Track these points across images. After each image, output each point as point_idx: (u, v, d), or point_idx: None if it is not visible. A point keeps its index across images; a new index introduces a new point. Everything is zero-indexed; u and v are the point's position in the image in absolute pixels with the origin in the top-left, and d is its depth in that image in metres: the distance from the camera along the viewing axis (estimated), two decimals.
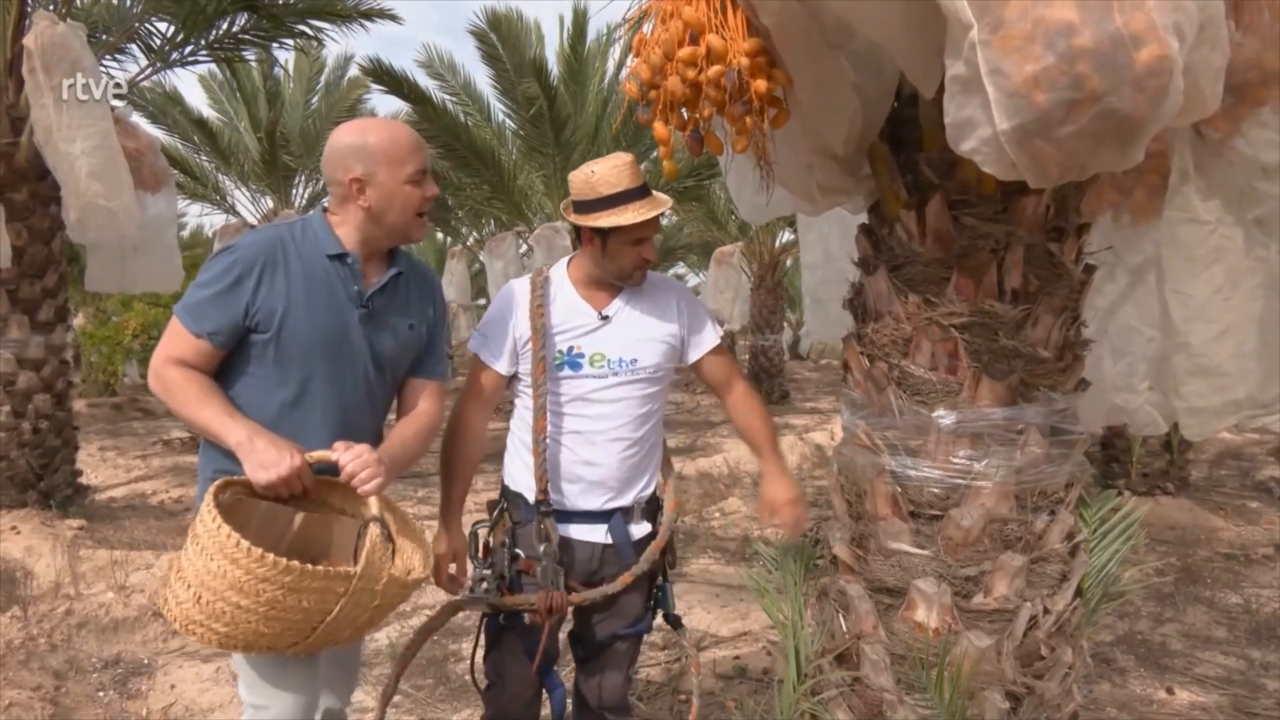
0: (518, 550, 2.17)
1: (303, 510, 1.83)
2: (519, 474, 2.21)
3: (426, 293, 2.07)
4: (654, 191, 2.14)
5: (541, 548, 2.11)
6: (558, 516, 2.15)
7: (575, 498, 2.16)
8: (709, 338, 2.27)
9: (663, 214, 2.13)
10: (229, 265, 1.82)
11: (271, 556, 1.54)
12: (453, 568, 2.19)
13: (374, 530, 1.67)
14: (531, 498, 2.16)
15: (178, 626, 1.65)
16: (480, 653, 2.30)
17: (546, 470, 2.13)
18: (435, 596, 4.44)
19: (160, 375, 1.82)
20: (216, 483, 1.69)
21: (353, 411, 1.95)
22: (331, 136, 1.91)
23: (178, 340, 1.83)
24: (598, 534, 2.18)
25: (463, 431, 2.21)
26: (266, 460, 1.70)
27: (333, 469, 1.79)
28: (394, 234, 1.94)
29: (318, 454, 1.78)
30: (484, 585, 2.12)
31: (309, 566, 1.58)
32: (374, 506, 1.72)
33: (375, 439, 2.01)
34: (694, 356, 2.26)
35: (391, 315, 1.98)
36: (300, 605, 1.60)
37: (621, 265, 2.13)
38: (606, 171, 2.08)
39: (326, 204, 1.97)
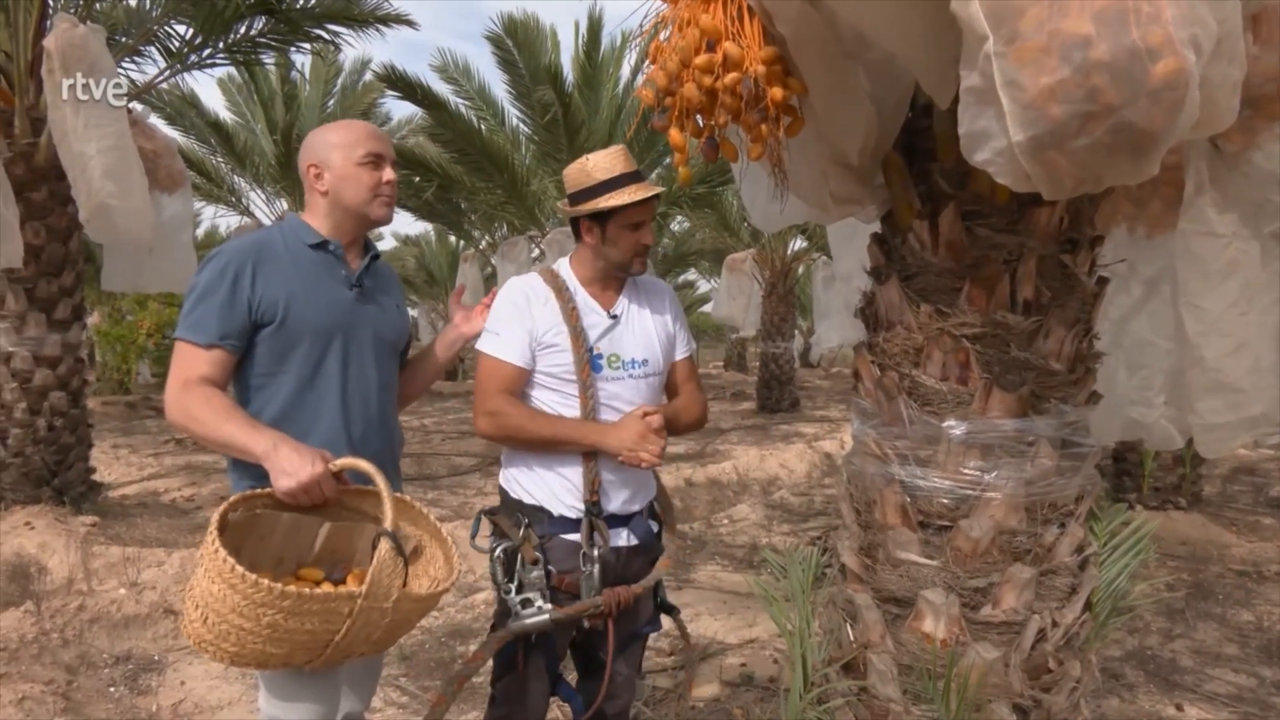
0: (550, 567, 2.10)
1: (331, 520, 1.81)
2: (539, 485, 2.14)
3: (397, 282, 2.24)
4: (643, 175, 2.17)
5: (596, 551, 2.08)
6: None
7: (606, 502, 2.14)
8: (682, 346, 2.34)
9: (657, 200, 2.13)
10: (222, 269, 1.85)
11: (266, 582, 1.50)
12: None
13: (384, 547, 1.62)
14: (571, 504, 2.12)
15: (193, 645, 1.63)
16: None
17: (599, 473, 2.10)
18: (444, 601, 4.44)
19: (179, 401, 1.80)
20: (228, 500, 1.68)
21: (366, 392, 1.99)
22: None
23: (190, 360, 1.82)
24: (620, 537, 2.17)
25: (515, 409, 2.10)
26: (289, 467, 1.70)
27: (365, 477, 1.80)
28: (355, 215, 2.00)
29: (343, 461, 1.77)
30: (538, 608, 2.03)
31: (305, 590, 1.54)
32: (388, 519, 1.66)
33: (390, 423, 2.07)
34: (676, 355, 2.32)
35: (380, 295, 2.08)
36: (304, 627, 1.56)
37: (622, 252, 2.13)
38: (601, 158, 2.12)
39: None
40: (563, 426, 2.09)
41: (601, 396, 2.12)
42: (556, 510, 2.12)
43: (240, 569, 1.50)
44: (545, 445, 2.11)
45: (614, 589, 2.08)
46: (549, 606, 2.03)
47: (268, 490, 1.73)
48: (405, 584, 1.71)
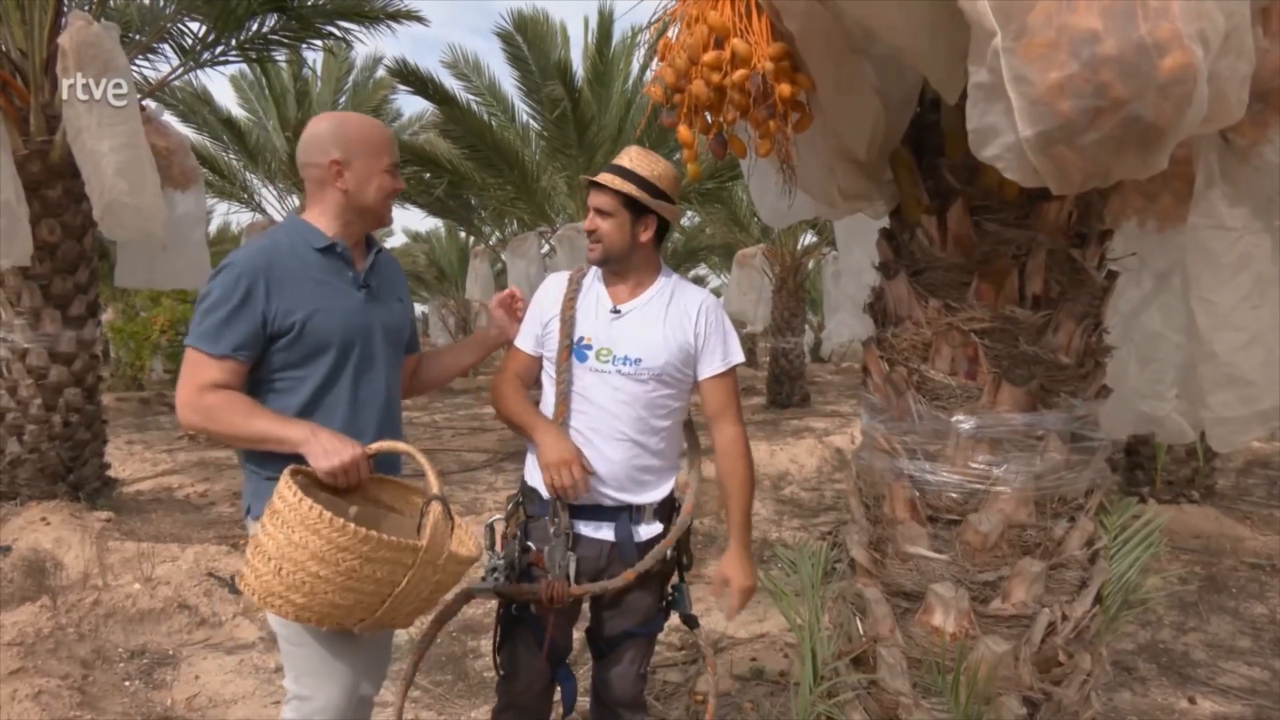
0: (529, 543, 2.20)
1: (357, 505, 1.90)
2: (533, 468, 2.23)
3: (399, 271, 2.25)
4: (630, 176, 2.13)
5: (551, 530, 2.14)
6: (570, 510, 2.16)
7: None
8: (717, 360, 2.20)
9: (615, 194, 2.11)
10: (234, 280, 1.84)
11: (352, 526, 1.62)
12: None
13: (436, 508, 1.77)
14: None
15: (256, 599, 1.72)
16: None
17: None
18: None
19: (196, 405, 1.82)
20: (289, 468, 1.74)
21: (375, 396, 2.02)
22: (308, 126, 2.02)
23: (203, 368, 1.84)
24: (604, 531, 2.18)
25: (507, 386, 2.29)
26: (330, 449, 1.79)
27: (387, 466, 1.88)
28: (368, 216, 2.03)
29: (380, 445, 1.87)
30: (495, 575, 2.16)
31: (384, 536, 1.65)
32: (434, 487, 1.81)
33: (397, 424, 2.10)
34: (700, 375, 2.21)
35: (385, 292, 2.10)
36: (374, 575, 1.67)
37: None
38: (626, 150, 2.22)
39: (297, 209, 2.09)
40: (520, 415, 2.23)
41: (577, 386, 2.18)
42: (544, 492, 2.19)
43: (328, 514, 1.61)
44: (511, 427, 2.29)
45: (550, 581, 2.10)
46: (501, 579, 2.16)
47: (308, 469, 1.80)
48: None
